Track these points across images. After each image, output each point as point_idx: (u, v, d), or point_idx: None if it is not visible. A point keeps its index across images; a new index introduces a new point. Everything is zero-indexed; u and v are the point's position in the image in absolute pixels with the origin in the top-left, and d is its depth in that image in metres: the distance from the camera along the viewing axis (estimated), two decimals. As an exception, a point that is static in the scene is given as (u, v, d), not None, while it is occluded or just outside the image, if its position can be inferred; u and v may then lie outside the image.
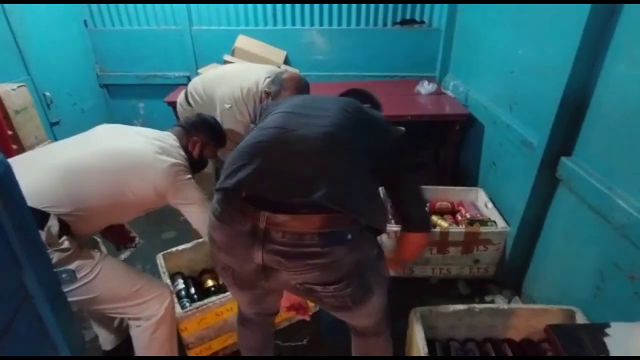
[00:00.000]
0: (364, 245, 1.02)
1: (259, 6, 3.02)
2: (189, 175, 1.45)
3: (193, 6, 3.01)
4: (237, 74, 1.97)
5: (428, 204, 1.11)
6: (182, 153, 1.47)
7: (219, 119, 1.84)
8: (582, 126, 1.56)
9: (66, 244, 1.12)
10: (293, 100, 1.19)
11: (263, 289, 1.10)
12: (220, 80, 2.00)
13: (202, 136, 1.57)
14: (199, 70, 2.92)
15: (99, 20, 3.09)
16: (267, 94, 1.79)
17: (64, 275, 0.78)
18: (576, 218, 1.60)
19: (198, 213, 1.43)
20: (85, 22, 3.06)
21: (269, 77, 1.91)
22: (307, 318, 1.42)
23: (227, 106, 1.83)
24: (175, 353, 1.52)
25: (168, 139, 1.46)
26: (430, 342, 1.45)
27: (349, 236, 0.94)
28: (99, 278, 1.21)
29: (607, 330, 0.88)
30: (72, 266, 1.11)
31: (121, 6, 3.03)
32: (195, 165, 1.55)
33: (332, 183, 0.92)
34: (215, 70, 2.18)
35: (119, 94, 3.34)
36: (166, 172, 1.34)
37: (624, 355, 0.75)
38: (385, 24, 3.13)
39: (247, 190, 0.95)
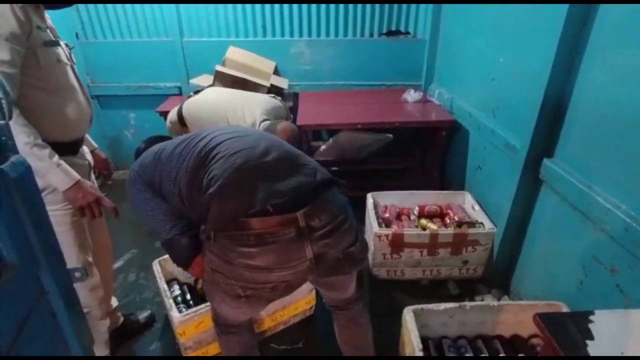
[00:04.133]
0: (350, 207, 1.23)
1: (249, 18, 3.08)
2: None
3: (184, 17, 3.05)
4: (234, 112, 1.96)
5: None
6: None
7: None
8: (562, 129, 1.65)
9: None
10: (213, 129, 1.27)
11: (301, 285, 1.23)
12: (219, 117, 1.97)
13: None
14: (191, 81, 2.96)
15: (90, 32, 3.11)
16: None
17: (75, 274, 0.80)
18: (559, 216, 1.68)
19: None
20: (76, 34, 3.08)
21: (264, 119, 1.92)
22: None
23: None
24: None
25: None
26: (423, 340, 1.49)
27: (346, 200, 1.20)
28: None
29: (592, 318, 0.93)
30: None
31: (112, 18, 3.06)
32: None
33: (314, 163, 1.20)
34: (210, 100, 2.13)
35: (109, 105, 3.35)
36: None
37: (623, 356, 0.80)
38: (371, 35, 3.22)
39: (275, 203, 1.04)
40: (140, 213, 1.23)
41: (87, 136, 1.67)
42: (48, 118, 1.31)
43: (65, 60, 1.36)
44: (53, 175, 1.26)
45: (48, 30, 1.30)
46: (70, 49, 1.46)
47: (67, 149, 1.39)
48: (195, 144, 1.18)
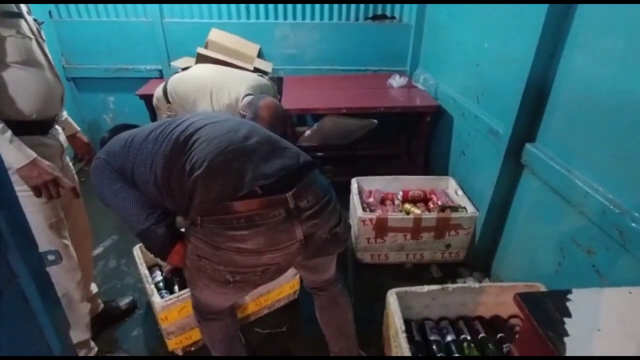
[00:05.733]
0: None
1: (232, -1, 3.00)
2: None
3: (164, -2, 2.95)
4: (219, 88, 1.92)
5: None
6: None
7: None
8: (544, 114, 1.66)
9: None
10: (190, 115, 1.25)
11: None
12: (203, 93, 1.94)
13: None
14: (172, 64, 2.88)
15: (64, 10, 2.98)
16: (242, 116, 1.77)
17: (49, 257, 0.77)
18: (539, 200, 1.70)
19: None
20: (50, 12, 2.94)
21: (248, 94, 1.88)
22: None
23: None
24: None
25: None
26: (406, 322, 1.51)
27: (329, 182, 1.22)
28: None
29: (569, 296, 0.95)
30: None
31: (89, -4, 2.93)
32: None
33: (295, 147, 1.20)
34: (196, 76, 2.09)
35: (87, 88, 3.23)
36: None
37: (622, 356, 0.81)
38: (357, 19, 3.18)
39: (262, 185, 1.04)
40: (109, 204, 1.16)
41: (69, 119, 1.63)
42: (6, 93, 1.25)
43: (29, 34, 1.29)
44: (5, 151, 1.19)
45: (13, 5, 1.25)
46: (39, 24, 1.39)
47: (34, 127, 1.34)
48: (172, 130, 1.15)
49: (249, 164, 1.07)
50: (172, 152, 1.10)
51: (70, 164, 1.60)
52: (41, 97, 1.33)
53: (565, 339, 0.83)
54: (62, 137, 1.51)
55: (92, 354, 1.63)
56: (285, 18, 3.12)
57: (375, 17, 3.19)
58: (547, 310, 0.93)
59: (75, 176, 1.62)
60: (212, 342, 1.43)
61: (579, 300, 0.94)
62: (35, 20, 1.37)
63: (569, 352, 0.81)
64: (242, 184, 1.04)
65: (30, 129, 1.32)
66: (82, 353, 1.59)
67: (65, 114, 1.60)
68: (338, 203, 1.22)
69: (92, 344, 1.64)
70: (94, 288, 1.80)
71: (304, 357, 1.73)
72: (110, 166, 1.16)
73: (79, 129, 1.67)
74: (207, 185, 1.05)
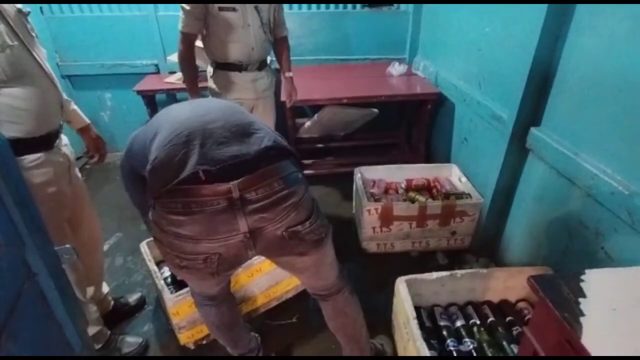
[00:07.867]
0: (306, 184, 1.16)
1: (227, -10, 2.96)
2: None
3: (158, -9, 2.91)
4: None
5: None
6: None
7: None
8: (549, 97, 1.66)
9: None
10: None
11: (244, 261, 1.16)
12: None
13: None
14: (169, 58, 2.85)
15: (56, 6, 2.93)
16: None
17: (65, 255, 0.77)
18: (545, 184, 1.70)
19: None
20: (41, 8, 2.90)
21: None
22: None
23: None
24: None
25: None
26: (415, 308, 1.51)
27: (300, 175, 1.12)
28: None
29: (583, 277, 0.96)
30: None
31: (81, -9, 2.89)
32: None
33: (264, 132, 1.09)
34: None
35: (83, 85, 3.19)
36: None
37: (627, 356, 0.82)
38: (354, 7, 3.15)
39: (206, 170, 0.97)
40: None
41: (78, 110, 1.56)
42: None
43: (9, 42, 1.14)
44: None
45: None
46: (25, 15, 1.25)
47: (38, 144, 1.26)
48: (154, 120, 1.13)
49: (198, 147, 1.00)
50: (149, 146, 1.06)
51: (79, 174, 1.52)
52: (36, 114, 1.23)
53: (582, 319, 0.84)
54: (68, 149, 1.43)
55: (106, 337, 1.64)
56: (281, 8, 3.08)
57: (373, 5, 3.16)
58: (561, 292, 0.93)
59: (84, 186, 1.56)
60: (209, 326, 1.46)
61: (593, 280, 0.94)
62: (20, 11, 1.22)
63: (585, 332, 0.81)
64: (183, 168, 0.98)
65: (35, 146, 1.25)
66: (98, 343, 1.60)
67: (73, 105, 1.52)
68: (310, 199, 1.14)
69: (105, 329, 1.65)
70: (105, 289, 1.79)
71: (306, 357, 1.73)
72: (128, 164, 1.16)
73: (88, 121, 1.60)
74: (156, 172, 1.02)
